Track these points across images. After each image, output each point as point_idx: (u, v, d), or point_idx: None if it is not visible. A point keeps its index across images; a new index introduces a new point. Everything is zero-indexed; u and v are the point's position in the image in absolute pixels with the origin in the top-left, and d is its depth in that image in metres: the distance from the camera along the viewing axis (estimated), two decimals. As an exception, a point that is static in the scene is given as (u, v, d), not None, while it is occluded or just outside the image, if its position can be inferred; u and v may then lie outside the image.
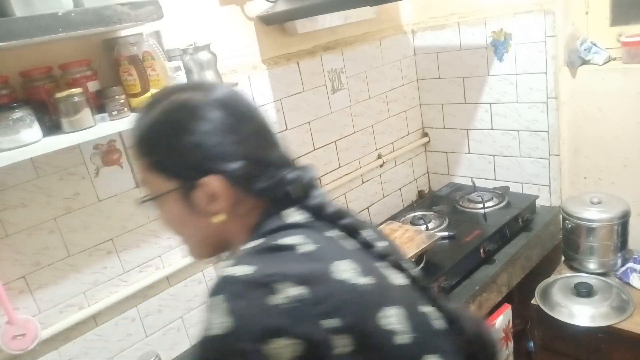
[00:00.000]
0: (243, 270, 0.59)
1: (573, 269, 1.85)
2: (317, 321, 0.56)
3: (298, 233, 0.66)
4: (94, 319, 1.39)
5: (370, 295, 0.62)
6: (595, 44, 1.77)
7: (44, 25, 0.99)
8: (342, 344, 0.57)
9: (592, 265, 1.78)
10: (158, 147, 0.71)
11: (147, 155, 0.72)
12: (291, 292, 0.57)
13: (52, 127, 1.16)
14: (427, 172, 2.45)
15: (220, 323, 0.56)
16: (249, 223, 0.72)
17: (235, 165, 0.68)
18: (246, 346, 0.55)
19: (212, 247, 0.77)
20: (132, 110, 1.26)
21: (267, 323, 0.56)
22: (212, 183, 0.68)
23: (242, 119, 0.75)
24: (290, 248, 0.63)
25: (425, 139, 2.35)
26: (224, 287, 0.59)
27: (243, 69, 1.64)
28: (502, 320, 1.62)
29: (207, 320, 0.58)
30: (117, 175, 1.38)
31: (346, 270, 0.62)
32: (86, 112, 1.14)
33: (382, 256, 0.71)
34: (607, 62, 1.77)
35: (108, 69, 1.31)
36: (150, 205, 0.75)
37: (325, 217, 0.71)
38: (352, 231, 0.72)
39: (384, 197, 2.22)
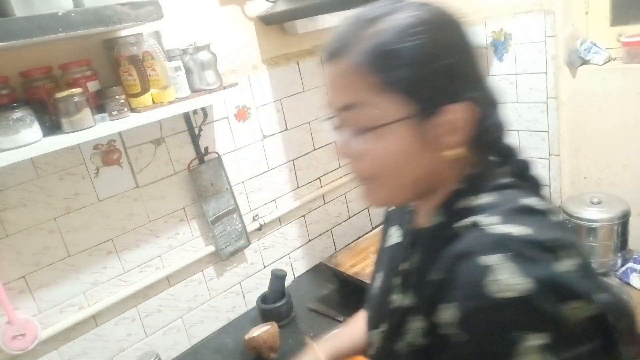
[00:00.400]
0: (519, 230, 0.53)
1: (573, 269, 1.85)
2: (597, 293, 0.52)
3: (533, 196, 0.60)
4: (94, 319, 1.39)
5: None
6: (595, 44, 1.77)
7: (44, 25, 0.99)
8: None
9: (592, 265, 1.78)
10: (407, 61, 0.58)
11: (386, 72, 0.58)
12: (573, 260, 0.53)
13: (52, 127, 1.16)
14: (427, 172, 2.44)
15: (518, 284, 0.49)
16: (463, 169, 0.64)
17: (481, 94, 0.61)
18: (547, 308, 0.49)
19: (417, 190, 0.65)
20: (132, 110, 1.26)
21: (564, 285, 0.51)
22: (458, 111, 0.59)
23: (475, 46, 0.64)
24: (542, 213, 0.58)
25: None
26: (502, 245, 0.52)
27: (243, 69, 1.64)
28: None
29: (492, 281, 0.50)
30: (117, 175, 1.38)
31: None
32: (86, 112, 1.14)
33: None
34: (607, 62, 1.77)
35: (108, 69, 1.31)
36: (363, 134, 0.61)
37: (530, 179, 0.66)
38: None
39: (384, 197, 2.22)
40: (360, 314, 1.01)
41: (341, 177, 2.00)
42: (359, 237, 1.90)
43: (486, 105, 0.62)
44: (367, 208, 2.15)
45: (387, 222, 0.87)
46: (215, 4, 1.55)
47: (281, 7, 1.60)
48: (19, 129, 1.05)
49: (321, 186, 1.94)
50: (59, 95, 1.11)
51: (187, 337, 1.61)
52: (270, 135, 1.74)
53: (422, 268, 0.64)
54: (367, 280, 1.55)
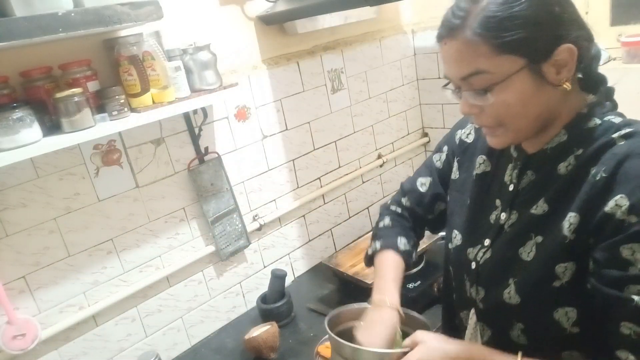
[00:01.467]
0: None
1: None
2: None
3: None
4: (94, 319, 1.39)
5: None
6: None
7: (44, 25, 0.99)
8: None
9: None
10: (515, 25, 0.70)
11: (499, 38, 0.70)
12: None
13: (52, 127, 1.16)
14: (427, 172, 2.44)
15: None
16: (574, 100, 0.78)
17: (581, 32, 0.73)
18: None
19: (538, 125, 0.78)
20: (132, 110, 1.26)
21: None
22: (564, 51, 0.72)
23: None
24: None
25: (425, 139, 2.35)
26: None
27: (243, 69, 1.64)
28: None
29: None
30: (117, 175, 1.38)
31: None
32: (86, 112, 1.14)
33: None
34: (607, 62, 1.77)
35: (108, 69, 1.31)
36: (490, 91, 0.73)
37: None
38: None
39: (384, 197, 2.22)
40: (385, 255, 1.09)
41: (341, 177, 2.00)
42: (359, 237, 1.90)
43: (584, 41, 0.74)
44: (367, 208, 2.15)
45: (466, 152, 1.01)
46: (215, 4, 1.55)
47: (281, 7, 1.60)
48: (19, 129, 1.05)
49: (321, 186, 1.94)
50: (59, 95, 1.11)
51: (187, 337, 1.61)
52: (270, 135, 1.74)
53: (546, 182, 0.80)
54: (368, 281, 1.55)
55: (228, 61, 1.59)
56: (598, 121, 0.77)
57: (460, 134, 1.05)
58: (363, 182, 2.12)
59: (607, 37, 1.80)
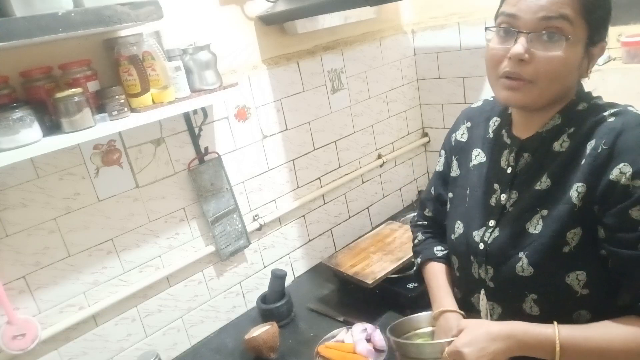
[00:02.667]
0: None
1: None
2: None
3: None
4: (94, 319, 1.39)
5: None
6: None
7: (44, 25, 0.99)
8: None
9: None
10: (603, 6, 0.82)
11: (592, 8, 0.80)
12: None
13: (52, 127, 1.16)
14: (427, 172, 2.45)
15: None
16: (572, 90, 0.90)
17: (605, 35, 0.86)
18: None
19: (555, 98, 0.87)
20: (132, 110, 1.26)
21: None
22: (600, 48, 0.85)
23: None
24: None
25: (425, 139, 2.35)
26: None
27: (243, 69, 1.64)
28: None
29: None
30: (117, 175, 1.38)
31: None
32: (86, 112, 1.14)
33: None
34: (607, 62, 1.77)
35: (108, 69, 1.31)
36: (563, 42, 0.80)
37: None
38: None
39: (384, 197, 2.22)
40: (427, 267, 1.17)
41: (341, 177, 2.00)
42: (359, 237, 1.90)
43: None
44: (367, 208, 2.15)
45: (462, 150, 1.09)
46: (215, 4, 1.55)
47: (281, 7, 1.60)
48: (19, 129, 1.05)
49: (321, 186, 1.94)
50: (59, 95, 1.11)
51: (187, 337, 1.61)
52: (270, 135, 1.74)
53: (544, 161, 0.88)
54: (368, 280, 1.55)
55: (228, 61, 1.59)
56: (585, 104, 0.88)
57: (455, 135, 1.12)
58: (363, 182, 2.12)
59: (607, 37, 1.80)
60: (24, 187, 1.23)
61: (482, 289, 0.98)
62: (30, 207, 1.25)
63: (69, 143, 1.12)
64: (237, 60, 1.63)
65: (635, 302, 0.81)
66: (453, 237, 1.05)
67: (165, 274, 1.50)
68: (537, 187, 0.88)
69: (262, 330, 1.44)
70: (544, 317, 0.87)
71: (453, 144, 1.12)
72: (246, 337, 1.46)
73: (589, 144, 0.83)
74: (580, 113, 0.87)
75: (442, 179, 1.16)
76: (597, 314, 0.86)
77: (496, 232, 0.94)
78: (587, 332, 0.82)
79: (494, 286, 0.95)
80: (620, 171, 0.77)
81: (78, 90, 1.13)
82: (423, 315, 1.12)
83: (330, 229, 2.01)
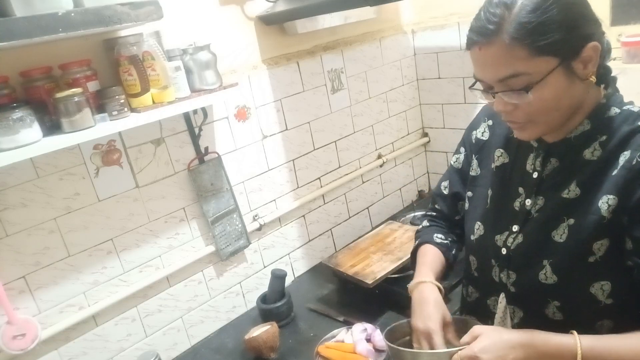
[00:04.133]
0: None
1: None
2: None
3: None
4: (94, 319, 1.39)
5: None
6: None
7: (44, 25, 0.99)
8: None
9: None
10: (548, 29, 0.76)
11: (535, 42, 0.76)
12: None
13: (52, 127, 1.16)
14: (427, 172, 2.45)
15: None
16: (593, 92, 0.85)
17: (600, 29, 0.81)
18: None
19: (569, 113, 0.85)
20: (132, 110, 1.26)
21: None
22: (590, 49, 0.79)
23: None
24: None
25: (425, 139, 2.35)
26: None
27: (243, 69, 1.64)
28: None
29: None
30: (117, 175, 1.38)
31: None
32: (86, 112, 1.14)
33: None
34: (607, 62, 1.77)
35: (108, 69, 1.31)
36: (529, 91, 0.79)
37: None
38: None
39: (384, 197, 2.22)
40: (421, 248, 1.16)
41: (341, 177, 2.00)
42: (359, 237, 1.90)
43: (603, 37, 0.82)
44: (367, 208, 2.15)
45: (483, 149, 1.06)
46: (215, 4, 1.55)
47: (281, 7, 1.60)
48: (19, 129, 1.05)
49: (321, 186, 1.94)
50: (59, 95, 1.11)
51: (187, 337, 1.61)
52: (270, 135, 1.74)
53: (574, 168, 0.86)
54: (368, 281, 1.55)
55: (228, 61, 1.59)
56: (617, 110, 0.85)
57: (476, 133, 1.10)
58: (363, 182, 2.12)
59: (607, 37, 1.80)
60: (24, 187, 1.23)
61: (502, 293, 0.97)
62: (30, 207, 1.25)
63: (69, 143, 1.12)
64: (237, 60, 1.63)
65: None
66: (472, 237, 1.04)
67: (165, 274, 1.50)
68: (565, 195, 0.86)
69: (262, 330, 1.44)
70: (567, 323, 0.85)
71: (474, 141, 1.10)
72: (246, 337, 1.46)
73: (622, 154, 0.81)
74: (612, 120, 0.84)
75: (460, 176, 1.14)
76: (620, 324, 0.84)
77: (520, 238, 0.93)
78: (610, 343, 0.80)
79: (515, 291, 0.95)
80: None
81: (78, 90, 1.13)
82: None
83: (330, 229, 2.01)
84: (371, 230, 1.94)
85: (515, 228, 0.94)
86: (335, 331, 1.44)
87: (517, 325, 0.95)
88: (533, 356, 0.81)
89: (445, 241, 1.15)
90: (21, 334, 1.22)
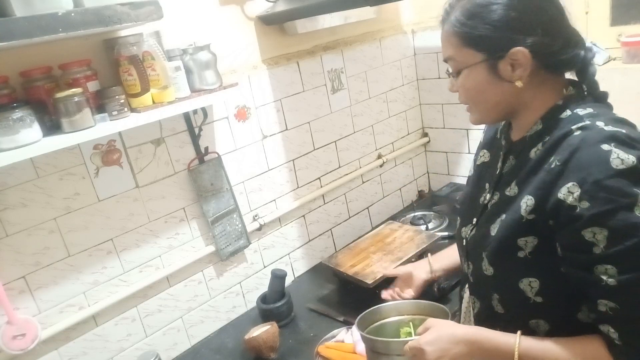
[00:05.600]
0: (616, 128, 0.77)
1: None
2: None
3: (611, 112, 0.87)
4: (94, 319, 1.39)
5: None
6: (595, 44, 1.77)
7: (44, 25, 0.99)
8: None
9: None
10: (479, 24, 0.83)
11: (466, 33, 0.84)
12: None
13: (52, 127, 1.16)
14: (427, 172, 2.45)
15: (628, 159, 0.73)
16: (548, 94, 0.87)
17: (535, 38, 0.82)
18: None
19: (501, 111, 0.91)
20: (132, 110, 1.26)
21: None
22: (518, 53, 0.82)
23: None
24: (626, 122, 0.83)
25: (425, 139, 2.35)
26: (614, 138, 0.76)
27: (243, 69, 1.64)
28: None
29: (614, 159, 0.74)
30: (117, 175, 1.38)
31: None
32: (86, 112, 1.14)
33: None
34: (607, 62, 1.77)
35: (108, 69, 1.31)
36: (456, 76, 0.89)
37: (601, 97, 0.91)
38: None
39: (384, 197, 2.22)
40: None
41: (341, 177, 2.00)
42: (359, 237, 1.90)
43: (544, 47, 0.82)
44: (367, 208, 2.15)
45: (478, 150, 1.12)
46: (215, 4, 1.55)
47: (281, 7, 1.60)
48: (19, 129, 1.05)
49: (321, 186, 1.94)
50: (59, 95, 1.11)
51: (187, 337, 1.61)
52: (270, 135, 1.74)
53: (521, 166, 0.89)
54: (368, 281, 1.55)
55: (228, 61, 1.59)
56: (569, 112, 0.85)
57: (481, 139, 1.16)
58: (363, 182, 2.12)
59: (607, 37, 1.80)
60: (24, 187, 1.23)
61: (467, 283, 1.03)
62: (30, 207, 1.25)
63: (69, 143, 1.12)
64: (237, 60, 1.63)
65: (596, 324, 0.80)
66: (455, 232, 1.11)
67: (165, 274, 1.50)
68: (507, 193, 0.90)
69: (262, 330, 1.44)
70: (508, 318, 0.91)
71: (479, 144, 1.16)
72: (246, 337, 1.46)
73: (552, 157, 0.81)
74: (562, 121, 0.85)
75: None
76: (556, 326, 0.86)
77: (474, 230, 0.98)
78: (547, 347, 0.82)
79: (472, 281, 1.00)
80: (569, 190, 0.76)
81: (78, 90, 1.13)
82: (391, 304, 1.15)
83: (330, 229, 2.01)
84: (371, 230, 1.94)
85: (474, 221, 0.99)
86: (335, 331, 1.44)
87: (476, 316, 1.00)
88: (476, 352, 0.87)
89: None
90: (21, 334, 1.22)
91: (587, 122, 0.80)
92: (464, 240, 1.02)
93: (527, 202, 0.83)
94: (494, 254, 0.89)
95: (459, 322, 1.08)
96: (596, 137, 0.77)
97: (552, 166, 0.80)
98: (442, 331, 0.89)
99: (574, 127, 0.81)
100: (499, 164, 0.97)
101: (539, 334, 0.87)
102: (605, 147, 0.75)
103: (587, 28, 1.85)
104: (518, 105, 0.89)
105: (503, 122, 1.03)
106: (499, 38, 0.83)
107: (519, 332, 0.84)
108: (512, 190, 0.89)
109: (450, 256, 1.26)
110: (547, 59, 0.84)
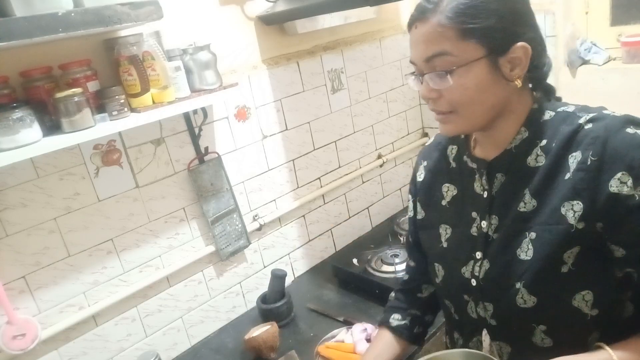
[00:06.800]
0: (621, 114, 0.78)
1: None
2: None
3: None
4: (94, 319, 1.39)
5: None
6: (595, 44, 1.77)
7: (44, 25, 0.99)
8: None
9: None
10: (480, 16, 0.75)
11: (465, 25, 0.75)
12: None
13: (52, 127, 1.16)
14: (427, 172, 2.44)
15: None
16: (526, 98, 0.84)
17: (535, 35, 0.79)
18: None
19: (489, 117, 0.82)
20: (132, 110, 1.26)
21: None
22: (519, 49, 0.77)
23: None
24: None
25: (425, 139, 2.35)
26: (626, 121, 0.75)
27: (243, 69, 1.64)
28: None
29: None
30: (117, 175, 1.38)
31: None
32: (86, 112, 1.14)
33: None
34: (607, 62, 1.77)
35: (108, 69, 1.31)
36: (450, 74, 0.78)
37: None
38: None
39: (384, 197, 2.22)
40: (380, 335, 1.12)
41: (341, 177, 2.00)
42: (359, 237, 1.90)
43: (537, 44, 0.80)
44: (367, 208, 2.15)
45: (423, 190, 1.03)
46: (215, 4, 1.55)
47: (281, 7, 1.60)
48: (19, 129, 1.05)
49: (321, 186, 1.94)
50: (59, 95, 1.11)
51: (187, 337, 1.61)
52: (270, 135, 1.74)
53: (520, 178, 0.82)
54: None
55: (228, 61, 1.59)
56: (552, 113, 0.82)
57: (416, 177, 1.07)
58: (363, 182, 2.12)
59: (607, 37, 1.80)
60: (24, 187, 1.23)
61: (484, 329, 0.90)
62: (30, 207, 1.25)
63: (69, 143, 1.12)
64: (237, 60, 1.63)
65: None
66: (438, 280, 0.98)
67: (165, 274, 1.50)
68: (522, 209, 0.82)
69: (262, 330, 1.44)
70: (557, 348, 0.80)
71: (417, 186, 1.06)
72: (246, 337, 1.46)
73: (571, 156, 0.77)
74: (548, 123, 0.82)
75: (413, 223, 1.09)
76: (606, 334, 0.80)
77: (486, 265, 0.86)
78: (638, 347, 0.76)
79: (496, 324, 0.87)
80: (620, 181, 0.71)
81: (78, 90, 1.13)
82: (439, 354, 0.95)
83: (330, 229, 2.01)
84: (370, 231, 1.93)
85: (478, 255, 0.88)
86: (335, 331, 1.44)
87: None
88: None
89: (403, 322, 1.09)
90: (21, 334, 1.22)
91: (594, 114, 0.78)
92: (473, 280, 0.89)
93: (573, 208, 0.75)
94: (535, 280, 0.79)
95: None
96: (616, 124, 0.75)
97: (588, 163, 0.74)
98: None
99: (581, 121, 0.78)
100: (484, 187, 0.88)
101: (590, 347, 0.80)
102: (630, 130, 0.73)
103: (587, 28, 1.85)
104: (504, 110, 0.82)
105: (455, 148, 0.97)
106: (503, 30, 0.76)
107: (604, 345, 0.76)
108: (528, 204, 0.81)
109: (374, 355, 1.08)
110: (536, 59, 0.80)
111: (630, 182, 0.71)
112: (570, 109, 0.82)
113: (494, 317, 0.87)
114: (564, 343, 0.81)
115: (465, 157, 0.93)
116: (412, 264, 1.14)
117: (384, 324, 1.11)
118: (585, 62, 1.79)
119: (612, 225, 0.74)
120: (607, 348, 0.76)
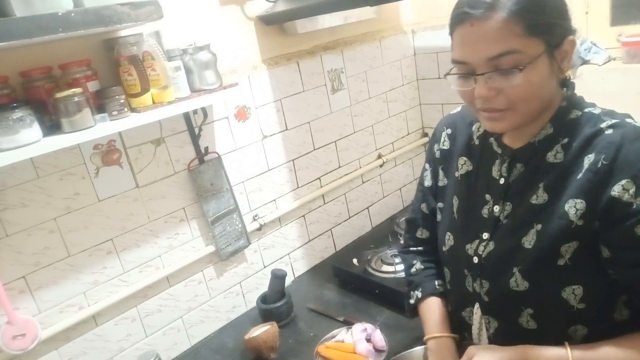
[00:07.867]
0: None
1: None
2: None
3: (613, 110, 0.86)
4: (94, 319, 1.39)
5: None
6: (595, 44, 1.77)
7: (44, 25, 0.99)
8: None
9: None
10: (544, 11, 0.76)
11: (530, 21, 0.75)
12: None
13: (52, 127, 1.16)
14: (427, 172, 2.44)
15: None
16: (557, 94, 0.84)
17: (574, 28, 0.81)
18: None
19: (542, 108, 0.83)
20: (132, 110, 1.26)
21: None
22: (568, 43, 0.79)
23: None
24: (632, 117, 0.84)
25: (425, 139, 2.35)
26: None
27: (243, 69, 1.64)
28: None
29: None
30: (117, 175, 1.38)
31: None
32: (86, 112, 1.14)
33: None
34: (607, 62, 1.76)
35: (108, 69, 1.31)
36: (518, 73, 0.76)
37: None
38: None
39: (384, 197, 2.22)
40: (427, 303, 1.10)
41: (341, 177, 2.00)
42: (359, 237, 1.90)
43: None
44: (367, 208, 2.15)
45: (446, 158, 1.05)
46: (215, 4, 1.55)
47: (281, 7, 1.60)
48: (19, 129, 1.05)
49: (321, 186, 1.94)
50: (59, 95, 1.11)
51: (187, 337, 1.61)
52: (270, 135, 1.74)
53: (538, 172, 0.85)
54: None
55: (228, 61, 1.59)
56: (579, 112, 0.84)
57: (438, 146, 1.08)
58: (363, 182, 2.12)
59: (607, 37, 1.80)
60: (24, 187, 1.23)
61: (477, 303, 0.96)
62: (30, 207, 1.25)
63: (69, 143, 1.12)
64: (237, 60, 1.63)
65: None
66: (444, 249, 1.02)
67: (165, 274, 1.50)
68: (534, 201, 0.85)
69: (262, 330, 1.44)
70: (541, 332, 0.86)
71: (437, 155, 1.07)
72: (246, 337, 1.46)
73: (586, 157, 0.79)
74: (574, 122, 0.83)
75: (433, 192, 1.10)
76: (593, 329, 0.84)
77: (491, 246, 0.91)
78: (599, 353, 0.79)
79: (489, 300, 0.93)
80: (623, 188, 0.74)
81: (78, 90, 1.13)
82: (418, 350, 1.06)
83: (330, 229, 2.01)
84: (369, 231, 1.93)
85: (485, 235, 0.92)
86: (335, 331, 1.44)
87: (492, 336, 0.94)
88: None
89: (445, 286, 1.09)
90: (21, 334, 1.22)
91: (616, 121, 0.80)
92: (475, 258, 0.93)
93: (575, 206, 0.79)
94: (531, 268, 0.84)
95: (467, 343, 0.98)
96: (634, 133, 0.77)
97: (599, 166, 0.77)
98: (489, 356, 0.82)
99: (602, 125, 0.80)
100: (503, 173, 0.91)
101: (576, 340, 0.85)
102: None
103: (587, 28, 1.85)
104: (548, 105, 0.84)
105: (477, 125, 0.98)
106: (560, 25, 0.78)
107: (566, 344, 0.81)
108: (540, 197, 0.84)
109: (445, 320, 1.07)
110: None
111: (632, 190, 0.74)
112: (597, 111, 0.84)
113: (488, 294, 0.92)
114: (547, 328, 0.86)
115: (491, 140, 0.94)
116: (426, 234, 1.14)
117: (432, 293, 1.09)
118: (585, 62, 1.79)
119: (606, 226, 0.77)
120: (568, 348, 0.80)
